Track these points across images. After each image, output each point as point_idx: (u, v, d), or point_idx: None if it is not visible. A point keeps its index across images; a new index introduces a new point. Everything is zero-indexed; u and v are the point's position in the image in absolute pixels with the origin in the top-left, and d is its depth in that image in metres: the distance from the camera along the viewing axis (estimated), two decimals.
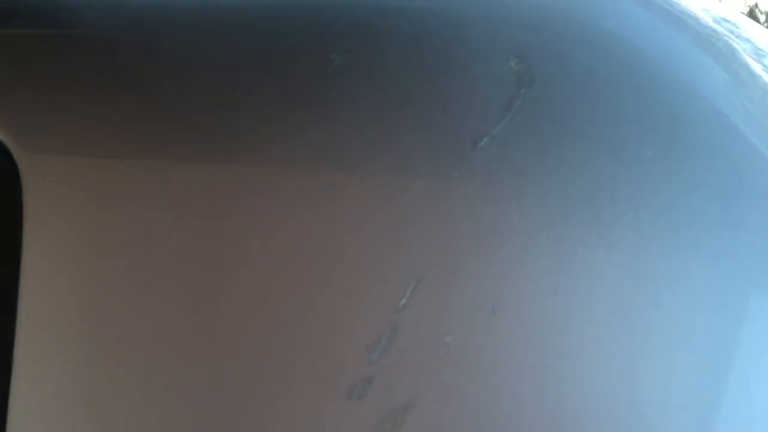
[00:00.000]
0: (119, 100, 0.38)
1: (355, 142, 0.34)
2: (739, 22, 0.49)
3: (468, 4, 0.37)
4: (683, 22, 0.42)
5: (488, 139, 0.33)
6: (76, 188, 0.39)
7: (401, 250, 0.31)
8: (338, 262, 0.32)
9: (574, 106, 0.35)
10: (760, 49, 0.49)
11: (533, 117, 0.34)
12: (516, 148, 0.33)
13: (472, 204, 0.32)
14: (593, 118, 0.35)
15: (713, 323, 0.33)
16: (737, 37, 0.46)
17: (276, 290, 0.33)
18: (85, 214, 0.39)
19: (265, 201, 0.34)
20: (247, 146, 0.36)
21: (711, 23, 0.45)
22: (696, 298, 0.33)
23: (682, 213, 0.34)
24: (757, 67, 0.47)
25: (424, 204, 0.32)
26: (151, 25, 0.41)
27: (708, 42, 0.43)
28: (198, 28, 0.40)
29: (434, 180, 0.32)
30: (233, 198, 0.35)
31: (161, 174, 0.37)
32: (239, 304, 0.33)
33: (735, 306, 0.34)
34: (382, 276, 0.31)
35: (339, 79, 0.36)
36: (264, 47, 0.39)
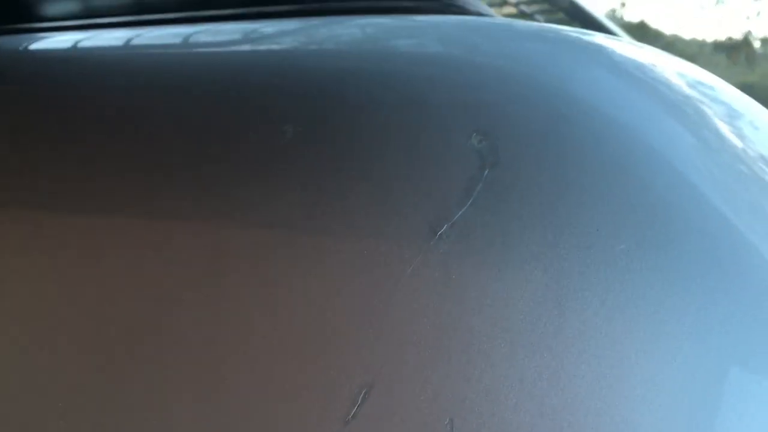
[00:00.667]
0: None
1: (300, 227, 0.31)
2: (715, 84, 0.48)
3: (426, 81, 0.34)
4: (655, 90, 0.40)
5: (448, 226, 0.31)
6: None
7: (351, 353, 0.29)
8: (280, 366, 0.29)
9: (542, 188, 0.33)
10: (734, 111, 0.47)
11: (497, 202, 0.32)
12: (478, 236, 0.31)
13: (427, 302, 0.29)
14: (562, 202, 0.33)
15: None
16: (711, 100, 0.45)
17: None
18: None
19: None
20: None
21: (685, 88, 0.43)
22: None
23: (651, 301, 0.32)
24: (727, 131, 0.45)
25: (376, 301, 0.29)
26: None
27: (679, 108, 0.41)
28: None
29: (387, 275, 0.30)
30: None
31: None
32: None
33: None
34: (330, 382, 0.28)
35: (291, 151, 0.34)
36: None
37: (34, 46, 0.54)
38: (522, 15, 1.09)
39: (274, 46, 0.44)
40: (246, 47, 0.44)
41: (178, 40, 0.48)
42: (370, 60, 0.37)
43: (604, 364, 0.29)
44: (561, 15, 1.05)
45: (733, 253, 0.35)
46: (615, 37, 0.49)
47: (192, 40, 0.47)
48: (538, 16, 1.09)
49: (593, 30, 0.52)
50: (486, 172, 0.32)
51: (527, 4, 1.09)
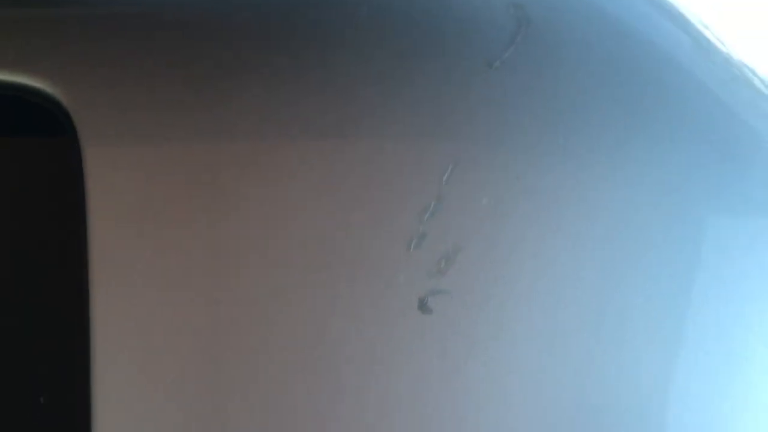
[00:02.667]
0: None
1: (394, 60, 0.42)
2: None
3: None
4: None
5: (499, 62, 0.42)
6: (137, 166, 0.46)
7: (441, 138, 0.39)
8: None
9: (566, 45, 0.44)
10: (705, 23, 0.59)
11: (532, 50, 0.43)
12: (522, 71, 0.42)
13: (495, 107, 0.39)
14: (582, 59, 0.44)
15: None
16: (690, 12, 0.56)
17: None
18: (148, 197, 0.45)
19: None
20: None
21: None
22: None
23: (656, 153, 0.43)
24: (709, 35, 0.57)
25: (460, 100, 0.40)
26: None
27: (676, 14, 0.53)
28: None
29: (458, 94, 0.40)
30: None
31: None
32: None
33: None
34: (428, 159, 0.38)
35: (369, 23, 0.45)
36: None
37: None
38: None
39: None
40: None
41: None
42: None
43: None
44: None
45: None
46: None
47: None
48: None
49: None
50: (522, 28, 0.43)
51: None
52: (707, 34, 0.56)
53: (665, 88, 0.46)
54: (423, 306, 0.33)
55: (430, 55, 0.41)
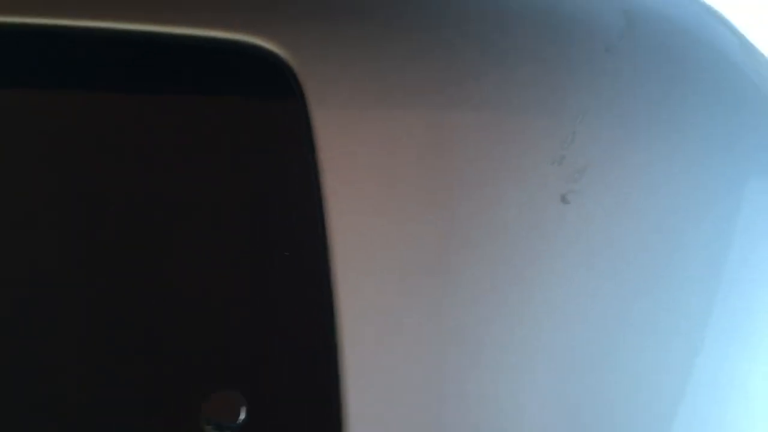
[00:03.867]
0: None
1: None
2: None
3: None
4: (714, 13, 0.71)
5: (615, 47, 0.60)
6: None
7: (571, 92, 0.57)
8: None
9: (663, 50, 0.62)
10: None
11: (638, 46, 0.61)
12: (635, 58, 0.60)
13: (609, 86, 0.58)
14: (675, 60, 0.62)
15: None
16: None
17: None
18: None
19: None
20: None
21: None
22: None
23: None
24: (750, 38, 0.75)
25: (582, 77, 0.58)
26: None
27: (723, 18, 0.72)
28: None
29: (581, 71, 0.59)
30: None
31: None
32: None
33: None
34: (564, 104, 0.57)
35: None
36: None
37: None
38: None
39: None
40: None
41: None
42: None
43: None
44: None
45: None
46: None
47: None
48: None
49: None
50: (629, 25, 0.62)
51: None
52: (748, 37, 0.74)
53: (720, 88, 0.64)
54: (564, 199, 0.53)
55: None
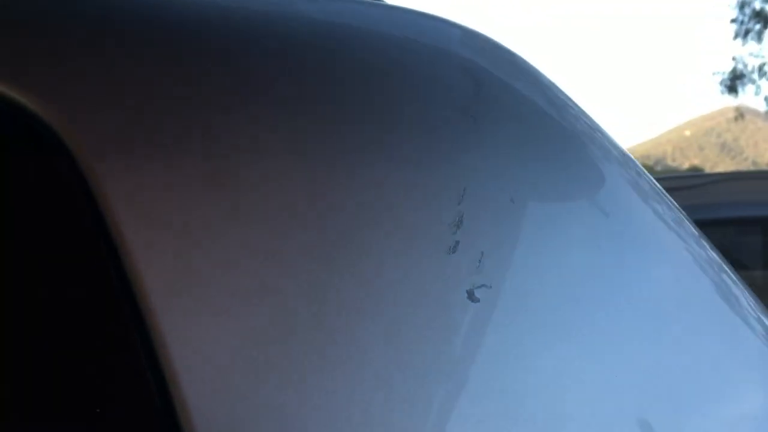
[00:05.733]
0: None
1: None
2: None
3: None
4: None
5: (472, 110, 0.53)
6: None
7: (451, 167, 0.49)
8: None
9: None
10: None
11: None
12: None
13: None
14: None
15: None
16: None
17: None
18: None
19: None
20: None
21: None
22: None
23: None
24: None
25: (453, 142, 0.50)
26: None
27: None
28: None
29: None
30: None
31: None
32: None
33: None
34: (444, 185, 0.48)
35: None
36: None
37: None
38: None
39: None
40: None
41: None
42: None
43: None
44: None
45: None
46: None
47: None
48: None
49: None
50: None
51: None
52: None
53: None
54: (471, 296, 0.43)
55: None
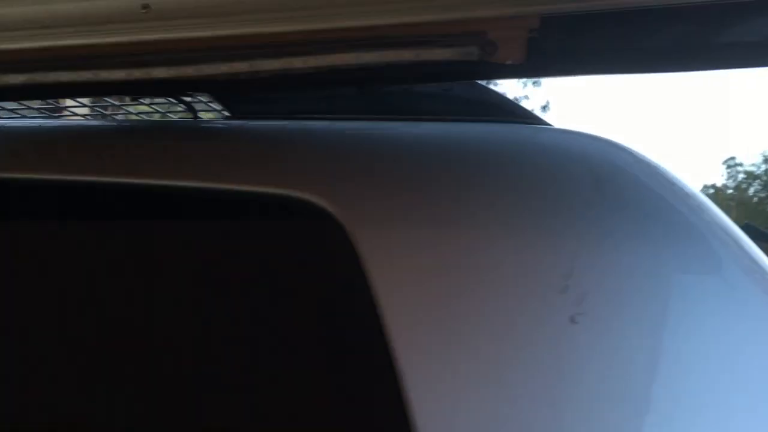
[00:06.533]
0: None
1: None
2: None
3: None
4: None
5: (591, 200, 0.79)
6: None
7: (567, 235, 0.74)
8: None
9: None
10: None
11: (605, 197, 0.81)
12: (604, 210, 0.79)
13: None
14: None
15: None
16: None
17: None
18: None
19: None
20: None
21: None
22: None
23: None
24: None
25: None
26: None
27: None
28: None
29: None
30: None
31: None
32: None
33: None
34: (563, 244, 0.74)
35: None
36: None
37: None
38: None
39: None
40: None
41: None
42: None
43: None
44: None
45: None
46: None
47: None
48: None
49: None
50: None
51: None
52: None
53: None
54: (572, 320, 0.68)
55: None
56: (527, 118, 1.01)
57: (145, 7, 0.71)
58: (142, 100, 1.24)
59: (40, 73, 0.78)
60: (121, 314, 0.79)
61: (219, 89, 0.98)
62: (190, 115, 1.22)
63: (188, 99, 1.17)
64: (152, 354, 0.77)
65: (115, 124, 1.16)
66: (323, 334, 0.72)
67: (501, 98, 1.03)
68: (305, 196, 0.73)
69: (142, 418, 0.76)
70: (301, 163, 0.78)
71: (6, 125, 1.10)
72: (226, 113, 1.12)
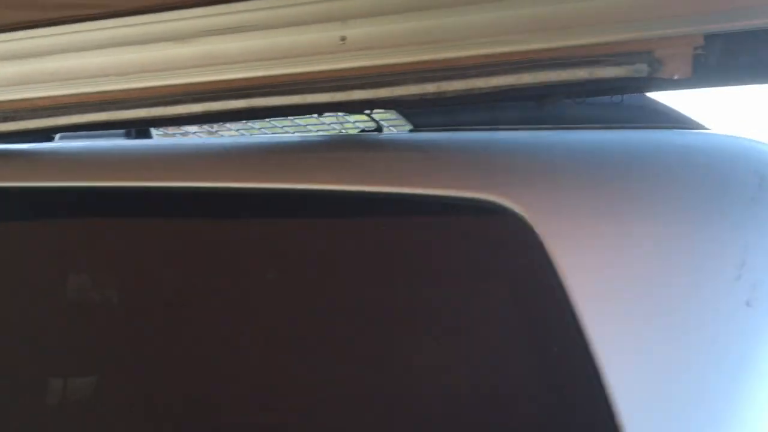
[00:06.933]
0: None
1: None
2: None
3: None
4: None
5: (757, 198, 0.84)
6: None
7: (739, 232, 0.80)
8: None
9: None
10: None
11: None
12: None
13: None
14: None
15: None
16: None
17: None
18: None
19: None
20: None
21: None
22: None
23: None
24: None
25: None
26: None
27: None
28: None
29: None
30: None
31: None
32: None
33: None
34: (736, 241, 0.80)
35: None
36: None
37: None
38: None
39: None
40: None
41: None
42: None
43: None
44: None
45: None
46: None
47: None
48: None
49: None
50: None
51: None
52: None
53: None
54: (748, 303, 0.74)
55: None
56: (691, 124, 1.06)
57: (343, 38, 0.86)
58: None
59: (256, 99, 0.94)
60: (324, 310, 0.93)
61: (406, 106, 1.12)
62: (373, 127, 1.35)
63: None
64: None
65: (319, 139, 1.34)
66: (517, 314, 0.83)
67: (666, 107, 1.09)
68: (495, 198, 0.85)
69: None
70: (489, 170, 0.90)
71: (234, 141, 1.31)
72: (409, 126, 1.26)
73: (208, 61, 0.92)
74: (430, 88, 0.86)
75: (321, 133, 1.70)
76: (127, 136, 1.60)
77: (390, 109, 1.20)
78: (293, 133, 1.77)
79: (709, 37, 0.71)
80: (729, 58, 0.75)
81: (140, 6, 0.93)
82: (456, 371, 0.85)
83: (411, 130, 1.24)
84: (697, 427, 0.71)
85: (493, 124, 1.14)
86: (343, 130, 1.62)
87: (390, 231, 0.93)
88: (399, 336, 0.89)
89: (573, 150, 0.93)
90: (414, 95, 0.88)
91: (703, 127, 1.07)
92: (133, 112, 1.03)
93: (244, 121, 1.70)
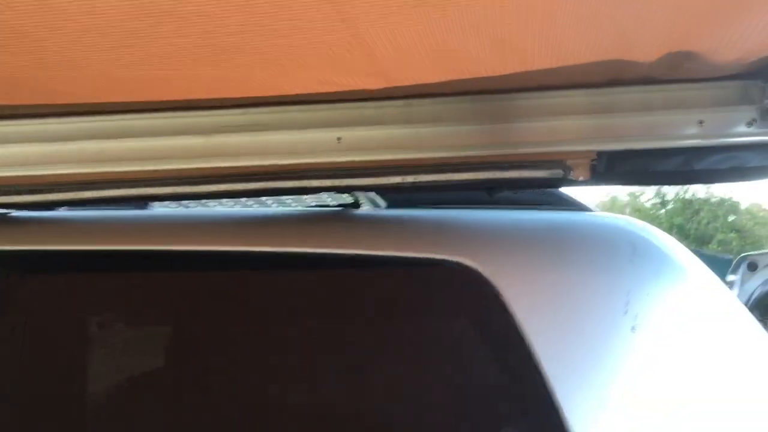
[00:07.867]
0: None
1: None
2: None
3: None
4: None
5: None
6: None
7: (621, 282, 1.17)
8: None
9: None
10: None
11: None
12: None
13: None
14: None
15: None
16: None
17: None
18: None
19: None
20: None
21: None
22: None
23: None
24: None
25: None
26: None
27: None
28: None
29: None
30: None
31: None
32: None
33: None
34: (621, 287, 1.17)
35: None
36: None
37: None
38: None
39: None
40: None
41: None
42: None
43: None
44: None
45: None
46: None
47: None
48: None
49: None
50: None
51: None
52: None
53: None
54: (633, 329, 1.11)
55: None
56: (576, 206, 1.47)
57: (339, 138, 1.15)
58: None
59: (264, 183, 1.21)
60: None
61: (385, 190, 1.44)
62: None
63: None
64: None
65: (308, 212, 1.64)
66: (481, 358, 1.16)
67: (567, 195, 1.51)
68: (460, 260, 1.18)
69: None
70: (455, 237, 1.25)
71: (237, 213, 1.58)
72: (384, 204, 1.59)
73: (227, 150, 1.17)
74: (409, 179, 1.20)
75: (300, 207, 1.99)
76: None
77: (370, 191, 1.53)
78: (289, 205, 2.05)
79: (600, 153, 1.11)
80: (611, 167, 1.14)
81: (172, 105, 1.16)
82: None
83: (387, 207, 1.59)
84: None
85: (450, 203, 1.50)
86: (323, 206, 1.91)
87: (378, 287, 1.27)
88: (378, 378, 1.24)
89: (513, 224, 1.31)
90: (395, 184, 1.22)
91: (589, 209, 1.48)
92: (160, 189, 1.29)
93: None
